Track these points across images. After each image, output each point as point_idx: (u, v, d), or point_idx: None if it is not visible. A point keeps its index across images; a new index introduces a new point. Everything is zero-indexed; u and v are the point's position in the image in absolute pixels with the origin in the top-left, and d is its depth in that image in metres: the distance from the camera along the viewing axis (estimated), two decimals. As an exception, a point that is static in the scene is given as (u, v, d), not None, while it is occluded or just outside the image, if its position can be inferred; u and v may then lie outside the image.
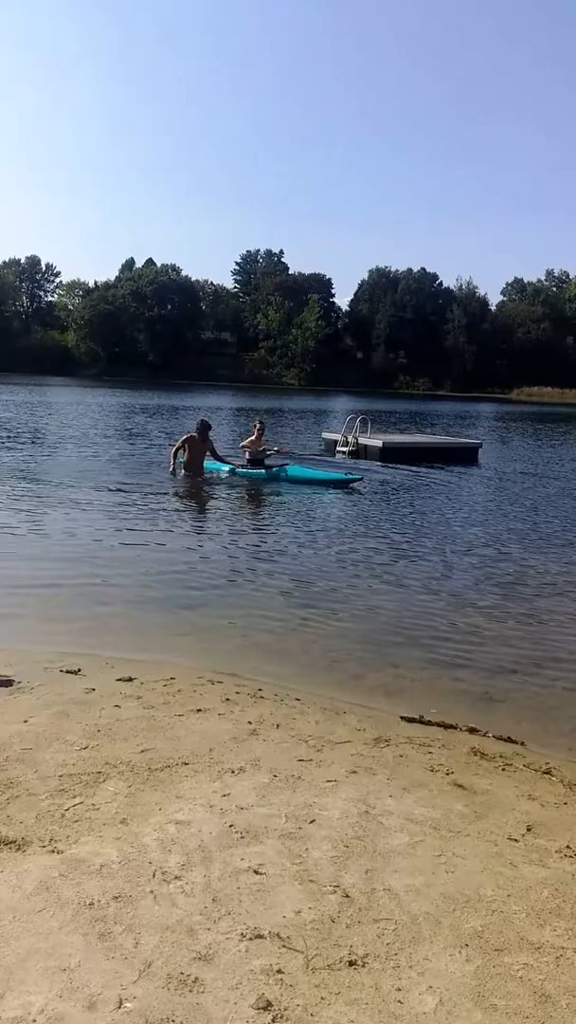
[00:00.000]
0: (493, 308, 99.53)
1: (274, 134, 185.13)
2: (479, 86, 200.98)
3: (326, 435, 22.33)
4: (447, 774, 3.80)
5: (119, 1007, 2.06)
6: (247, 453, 14.71)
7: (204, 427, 14.44)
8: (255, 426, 15.06)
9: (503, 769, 3.99)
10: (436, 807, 3.40)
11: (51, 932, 2.35)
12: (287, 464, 14.96)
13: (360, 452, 19.98)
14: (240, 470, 14.52)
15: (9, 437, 20.93)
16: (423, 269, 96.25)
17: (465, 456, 20.86)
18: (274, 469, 14.57)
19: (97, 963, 2.23)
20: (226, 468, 14.57)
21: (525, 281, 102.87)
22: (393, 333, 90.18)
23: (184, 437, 14.47)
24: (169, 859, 2.80)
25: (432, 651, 5.98)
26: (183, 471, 14.21)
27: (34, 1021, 1.99)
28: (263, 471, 14.53)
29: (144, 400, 43.44)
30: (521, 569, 8.94)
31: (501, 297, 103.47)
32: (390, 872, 2.82)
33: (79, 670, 4.96)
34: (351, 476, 15.16)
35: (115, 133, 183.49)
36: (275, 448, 15.43)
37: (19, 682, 4.65)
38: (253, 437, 14.79)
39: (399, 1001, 2.17)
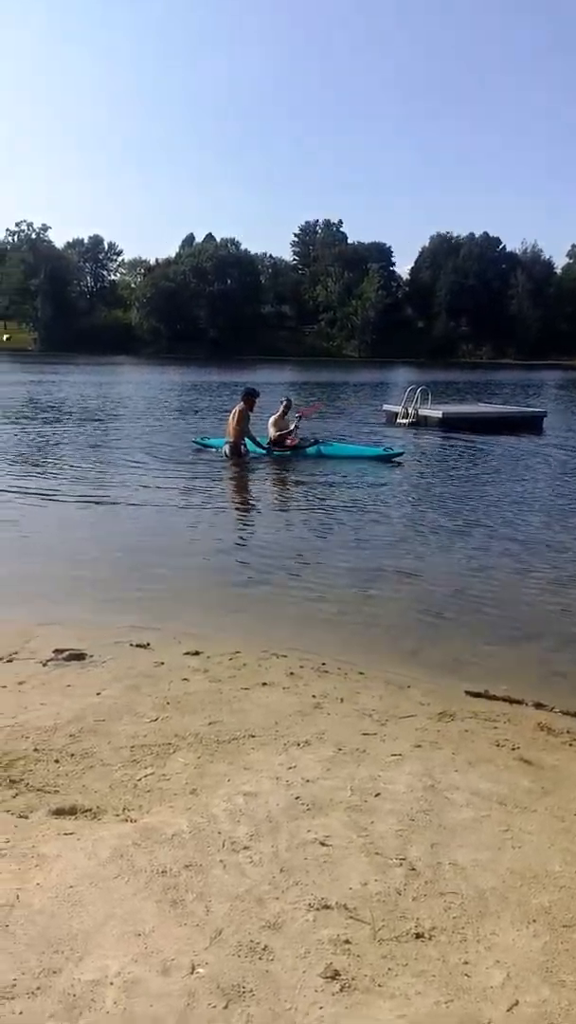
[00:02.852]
0: (559, 272, 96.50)
1: (333, 102, 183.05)
2: (539, 42, 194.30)
3: (386, 407, 22.18)
4: (513, 749, 3.78)
5: (191, 972, 2.13)
6: (271, 432, 13.92)
7: (252, 395, 13.55)
8: (281, 403, 14.28)
9: (571, 744, 3.94)
10: (502, 782, 3.39)
11: (125, 898, 2.44)
12: (320, 443, 14.23)
13: (420, 423, 19.84)
14: (275, 452, 13.84)
15: (72, 416, 21.32)
16: (486, 233, 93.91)
17: (529, 425, 20.45)
18: (309, 449, 13.96)
19: (170, 929, 2.30)
20: (262, 451, 13.80)
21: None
22: (455, 301, 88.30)
23: (238, 410, 13.47)
24: (238, 829, 2.86)
25: (497, 625, 5.92)
26: (227, 451, 13.53)
27: (111, 984, 2.07)
28: (300, 450, 13.87)
29: (204, 377, 43.66)
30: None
31: (567, 260, 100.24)
32: (456, 846, 2.83)
33: (148, 644, 5.07)
34: (392, 451, 14.58)
35: (172, 110, 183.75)
36: (296, 423, 14.27)
37: (91, 656, 4.77)
38: (277, 415, 14.05)
39: (466, 975, 2.19)
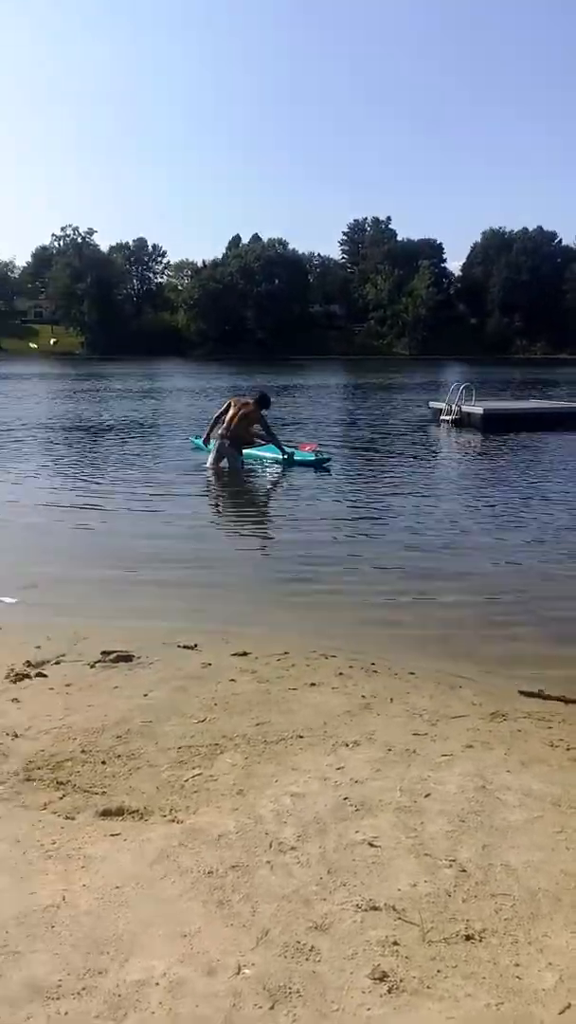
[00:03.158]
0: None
1: (379, 98, 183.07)
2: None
3: (433, 404, 22.11)
4: (568, 749, 3.69)
5: (238, 973, 2.12)
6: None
7: (264, 400, 13.05)
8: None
9: (628, 744, 3.84)
10: (556, 783, 3.31)
11: (172, 899, 2.44)
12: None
13: (463, 420, 19.65)
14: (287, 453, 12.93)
15: (117, 423, 21.59)
16: (540, 228, 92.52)
17: (578, 421, 20.01)
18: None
19: (216, 930, 2.30)
20: (271, 456, 12.93)
21: None
22: (508, 297, 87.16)
23: (246, 410, 12.73)
24: (285, 830, 2.84)
25: (552, 625, 5.80)
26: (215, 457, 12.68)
27: (156, 984, 2.07)
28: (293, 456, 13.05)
29: (249, 381, 43.77)
30: None
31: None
32: (507, 847, 2.77)
33: (196, 645, 5.08)
34: (318, 457, 13.13)
35: (218, 109, 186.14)
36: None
37: (139, 657, 4.80)
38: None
39: (517, 977, 2.14)
